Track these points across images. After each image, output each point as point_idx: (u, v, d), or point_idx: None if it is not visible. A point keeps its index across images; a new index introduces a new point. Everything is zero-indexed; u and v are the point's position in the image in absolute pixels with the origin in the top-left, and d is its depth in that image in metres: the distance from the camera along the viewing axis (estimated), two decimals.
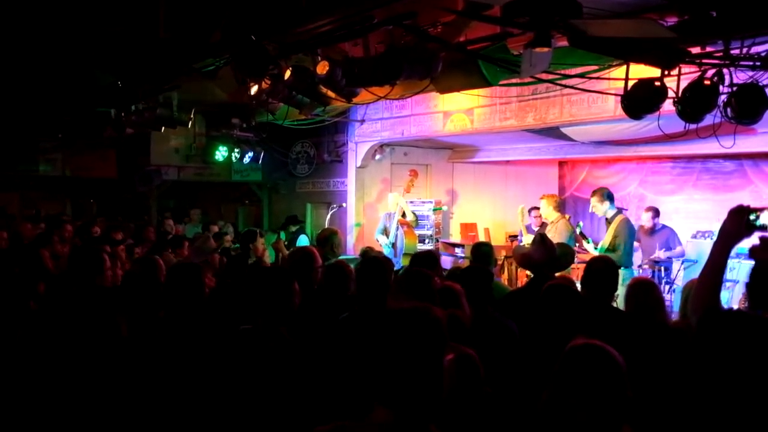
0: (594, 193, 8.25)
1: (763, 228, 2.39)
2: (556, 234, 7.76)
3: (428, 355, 1.90)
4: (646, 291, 4.35)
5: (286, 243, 9.76)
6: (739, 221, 2.42)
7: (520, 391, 3.32)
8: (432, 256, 5.35)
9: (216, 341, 3.33)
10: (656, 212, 9.25)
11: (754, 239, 2.50)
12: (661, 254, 8.76)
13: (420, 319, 1.95)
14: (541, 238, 5.30)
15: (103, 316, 3.92)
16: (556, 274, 5.22)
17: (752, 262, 2.56)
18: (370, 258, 4.93)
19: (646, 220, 9.20)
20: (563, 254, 5.44)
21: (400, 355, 1.89)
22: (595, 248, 7.98)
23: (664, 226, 9.22)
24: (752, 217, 2.40)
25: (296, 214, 12.34)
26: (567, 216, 8.48)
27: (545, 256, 5.14)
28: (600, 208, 8.04)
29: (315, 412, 2.79)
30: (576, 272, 8.48)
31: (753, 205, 2.45)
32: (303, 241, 11.00)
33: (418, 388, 1.87)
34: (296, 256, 4.84)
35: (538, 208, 10.58)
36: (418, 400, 1.87)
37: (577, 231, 8.56)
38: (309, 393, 2.99)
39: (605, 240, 7.84)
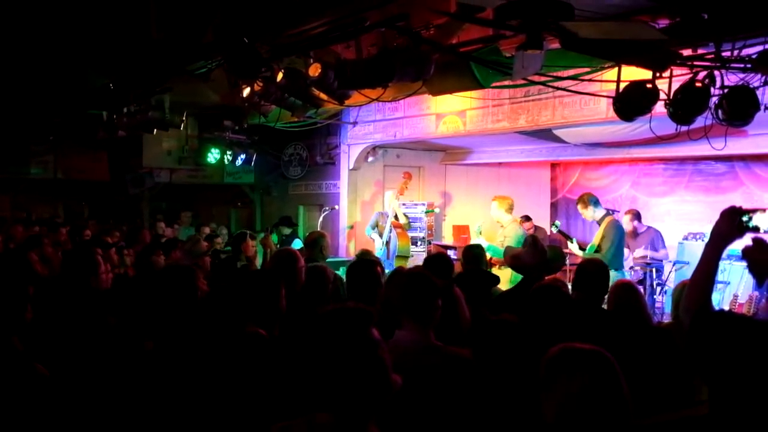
0: (578, 201, 8.18)
1: (755, 229, 2.39)
2: (506, 239, 7.54)
3: (354, 353, 1.91)
4: (626, 292, 4.39)
5: (278, 246, 9.74)
6: (731, 222, 2.42)
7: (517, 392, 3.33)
8: (445, 259, 5.28)
9: (210, 343, 3.32)
10: (636, 215, 9.28)
11: (746, 240, 2.50)
12: (640, 252, 8.79)
13: (342, 319, 1.97)
14: (532, 241, 5.30)
15: (99, 319, 3.90)
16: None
17: (743, 264, 2.56)
18: (360, 260, 4.94)
19: (626, 223, 9.24)
20: (554, 257, 5.45)
21: (326, 356, 1.92)
22: (581, 249, 7.97)
23: (648, 228, 9.26)
24: (745, 218, 2.41)
25: (290, 216, 12.31)
26: (518, 219, 8.32)
27: (536, 258, 5.14)
28: (587, 214, 7.98)
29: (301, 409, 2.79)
30: (568, 275, 8.52)
31: (745, 206, 2.45)
32: (297, 244, 10.98)
33: (350, 388, 1.89)
34: (279, 256, 4.84)
35: (530, 219, 10.58)
36: (353, 400, 1.89)
37: (554, 230, 8.52)
38: (294, 391, 2.98)
39: (594, 241, 7.84)
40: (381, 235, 10.10)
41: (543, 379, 2.13)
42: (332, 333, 1.94)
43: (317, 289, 4.50)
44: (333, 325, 1.96)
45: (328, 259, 6.36)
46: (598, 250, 7.59)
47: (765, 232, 2.41)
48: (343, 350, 1.91)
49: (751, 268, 2.51)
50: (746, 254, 2.46)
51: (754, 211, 2.40)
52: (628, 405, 2.05)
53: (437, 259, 5.26)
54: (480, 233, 8.49)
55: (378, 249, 9.96)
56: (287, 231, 11.56)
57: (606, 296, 4.67)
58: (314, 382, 1.92)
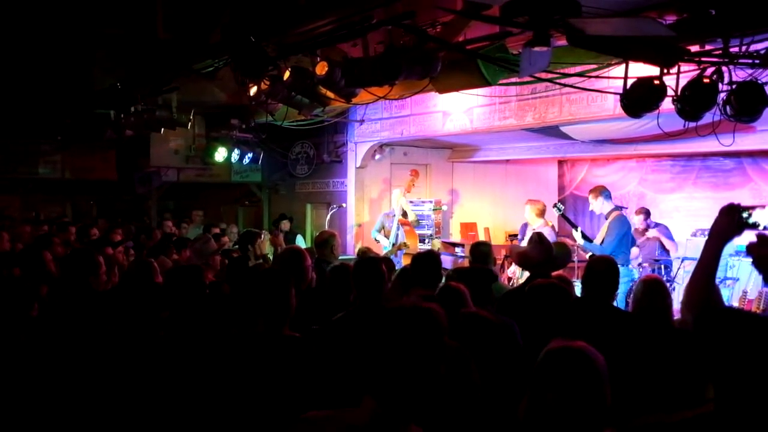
0: (590, 191, 8.28)
1: (754, 226, 2.39)
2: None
3: (425, 352, 1.95)
4: (647, 290, 4.32)
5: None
6: (730, 220, 2.42)
7: (514, 390, 3.34)
8: (432, 256, 5.31)
9: (217, 343, 3.33)
10: (647, 213, 9.26)
11: (751, 237, 2.49)
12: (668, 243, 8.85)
13: (421, 318, 2.00)
14: (538, 238, 5.30)
15: (98, 320, 3.89)
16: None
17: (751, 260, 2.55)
18: (366, 258, 4.94)
19: (638, 222, 9.20)
20: (560, 254, 5.44)
21: (398, 351, 1.95)
22: (584, 238, 7.97)
23: (657, 224, 9.23)
24: (744, 215, 2.41)
25: (284, 213, 12.35)
26: (550, 222, 8.55)
27: (542, 255, 5.14)
28: (595, 205, 8.05)
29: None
30: (578, 272, 8.51)
31: (746, 203, 2.45)
32: (299, 241, 11.01)
33: (407, 383, 1.92)
34: (285, 255, 4.83)
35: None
36: (404, 396, 1.91)
37: (556, 213, 8.54)
38: (307, 390, 2.99)
39: (598, 237, 7.86)
40: (387, 237, 10.11)
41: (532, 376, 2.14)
42: (415, 331, 1.98)
43: (342, 289, 4.50)
44: (417, 323, 2.01)
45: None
46: (601, 244, 7.62)
47: (765, 228, 2.40)
48: (421, 346, 1.96)
49: (757, 265, 2.50)
50: (750, 251, 2.44)
51: (753, 207, 2.41)
52: (605, 405, 2.03)
53: (424, 257, 5.28)
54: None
55: (384, 249, 9.97)
56: (286, 224, 11.62)
57: (616, 294, 4.65)
58: (375, 373, 1.95)
